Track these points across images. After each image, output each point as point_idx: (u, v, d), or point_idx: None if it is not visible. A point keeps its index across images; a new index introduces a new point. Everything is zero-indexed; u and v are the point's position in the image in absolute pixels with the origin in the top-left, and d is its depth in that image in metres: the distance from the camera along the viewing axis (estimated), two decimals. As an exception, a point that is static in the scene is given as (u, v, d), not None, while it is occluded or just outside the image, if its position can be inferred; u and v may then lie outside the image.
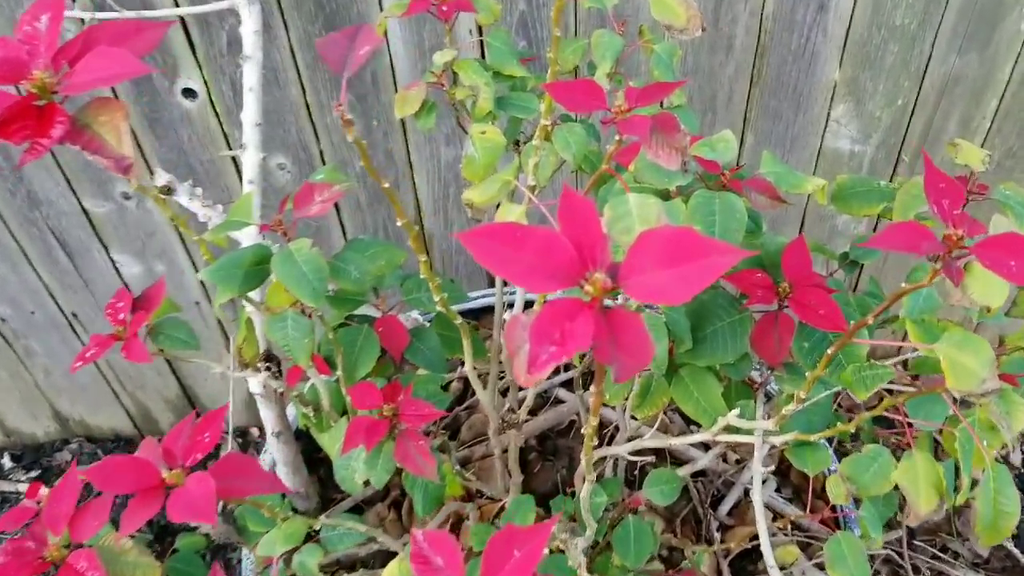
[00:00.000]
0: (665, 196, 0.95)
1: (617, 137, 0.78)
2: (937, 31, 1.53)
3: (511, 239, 0.60)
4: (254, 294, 1.23)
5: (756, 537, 1.40)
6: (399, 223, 0.82)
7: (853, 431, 1.15)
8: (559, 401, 1.59)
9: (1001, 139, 1.67)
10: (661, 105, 1.12)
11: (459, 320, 0.96)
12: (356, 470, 1.08)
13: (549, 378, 1.63)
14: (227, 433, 1.29)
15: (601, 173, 0.81)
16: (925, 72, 1.58)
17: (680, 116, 1.00)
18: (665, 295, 0.56)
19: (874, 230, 1.84)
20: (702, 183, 0.98)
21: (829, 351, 0.83)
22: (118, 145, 0.82)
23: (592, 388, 0.69)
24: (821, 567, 1.37)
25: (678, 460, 1.46)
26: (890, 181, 1.30)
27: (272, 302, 1.14)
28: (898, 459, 1.08)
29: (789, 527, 1.36)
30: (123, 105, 0.82)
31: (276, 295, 1.12)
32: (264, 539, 0.99)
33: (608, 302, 0.61)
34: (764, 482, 1.45)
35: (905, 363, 1.34)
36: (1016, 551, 1.90)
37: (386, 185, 0.77)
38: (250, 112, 1.29)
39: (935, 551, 1.88)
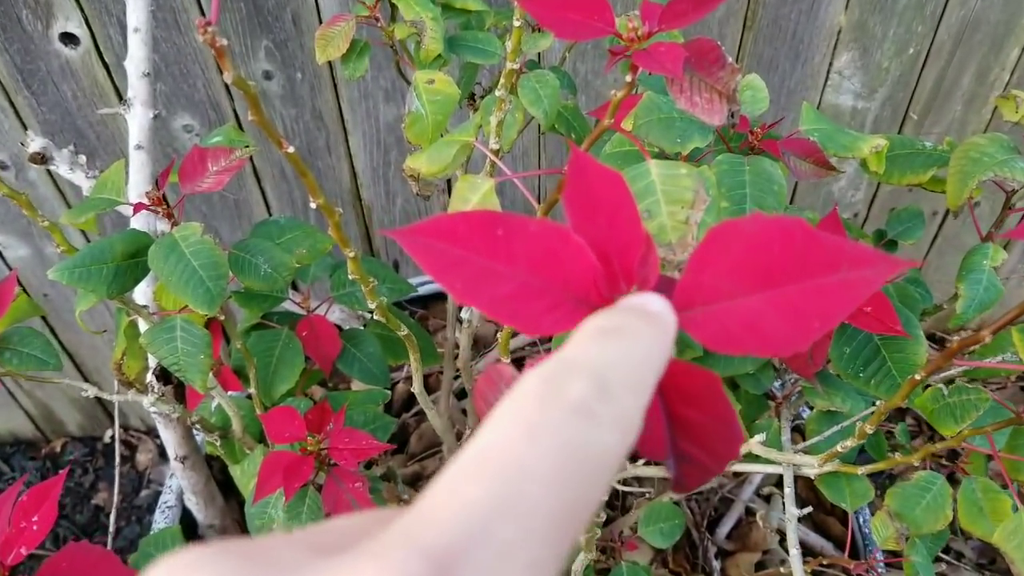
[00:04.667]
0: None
1: (628, 77, 0.54)
2: (958, -34, 1.31)
3: (488, 240, 0.35)
4: (142, 291, 0.98)
5: (762, 565, 1.19)
6: (313, 204, 0.57)
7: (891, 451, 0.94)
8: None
9: (1023, 93, 1.46)
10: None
11: (404, 331, 0.72)
12: (274, 520, 0.84)
13: (520, 368, 1.39)
14: (115, 465, 1.04)
15: (603, 129, 0.57)
16: (942, 16, 1.36)
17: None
18: (761, 335, 0.32)
19: (873, 197, 1.63)
20: (722, 144, 0.75)
21: (917, 376, 0.60)
22: None
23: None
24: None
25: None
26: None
27: (164, 303, 0.89)
28: (953, 485, 0.88)
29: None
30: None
31: (169, 294, 0.87)
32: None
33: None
34: (770, 500, 1.24)
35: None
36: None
37: (291, 150, 0.53)
38: (136, 58, 1.03)
39: (936, 553, 1.69)
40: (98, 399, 1.76)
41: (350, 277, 0.64)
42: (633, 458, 1.10)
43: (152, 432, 1.85)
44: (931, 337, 1.94)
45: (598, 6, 0.52)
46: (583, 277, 0.35)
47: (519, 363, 1.43)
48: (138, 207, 0.76)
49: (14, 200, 0.73)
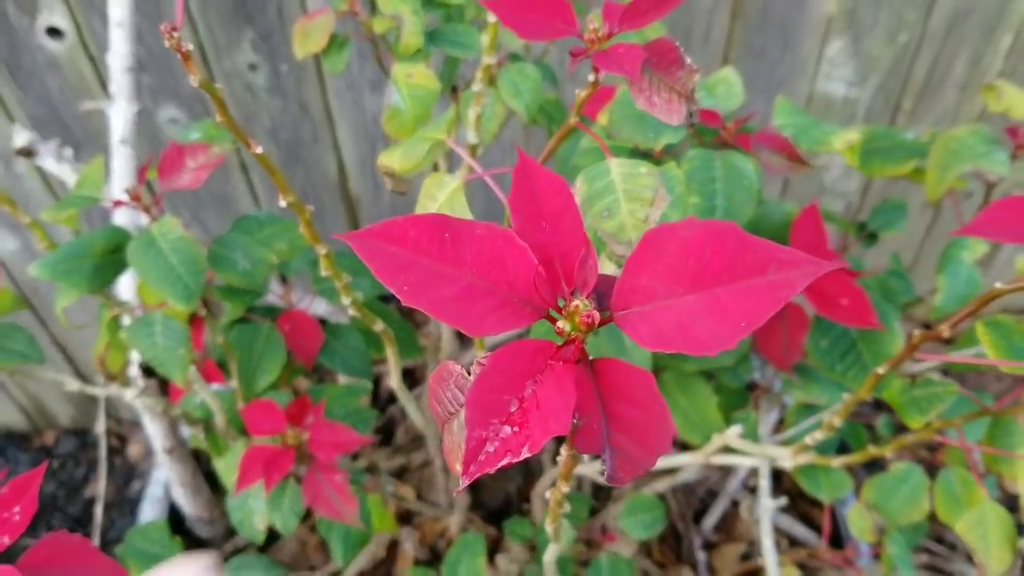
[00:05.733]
0: (646, 159, 0.72)
1: (592, 77, 0.54)
2: (947, -46, 1.31)
3: (436, 244, 0.36)
4: (127, 286, 0.98)
5: (747, 557, 1.19)
6: (283, 202, 0.58)
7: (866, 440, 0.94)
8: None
9: (1014, 81, 1.46)
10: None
11: (380, 325, 0.73)
12: (255, 511, 0.85)
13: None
14: (103, 457, 1.04)
15: (569, 128, 0.57)
16: (933, 2, 1.35)
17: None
18: (690, 335, 0.33)
19: (867, 187, 1.63)
20: (696, 139, 0.75)
21: (880, 369, 0.61)
22: None
23: (564, 449, 0.46)
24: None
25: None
26: (891, 126, 1.10)
27: (147, 299, 0.89)
28: (931, 476, 0.88)
29: (787, 543, 1.15)
30: None
31: (149, 292, 0.88)
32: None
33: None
34: (756, 492, 1.24)
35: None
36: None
37: (259, 150, 0.53)
38: (120, 53, 1.03)
39: (930, 541, 1.70)
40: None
41: (323, 274, 0.65)
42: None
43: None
44: (927, 327, 1.94)
45: (559, 7, 0.52)
46: (526, 279, 0.36)
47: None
48: (116, 203, 0.77)
49: (-8, 197, 0.73)
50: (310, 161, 1.41)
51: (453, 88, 1.06)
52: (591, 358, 0.36)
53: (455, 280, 0.35)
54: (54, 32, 1.21)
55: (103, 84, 1.26)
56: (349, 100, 1.34)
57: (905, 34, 1.39)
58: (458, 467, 0.40)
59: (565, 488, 0.52)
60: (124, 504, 1.70)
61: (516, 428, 0.33)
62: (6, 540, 0.57)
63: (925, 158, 0.90)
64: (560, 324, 0.35)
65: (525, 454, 0.32)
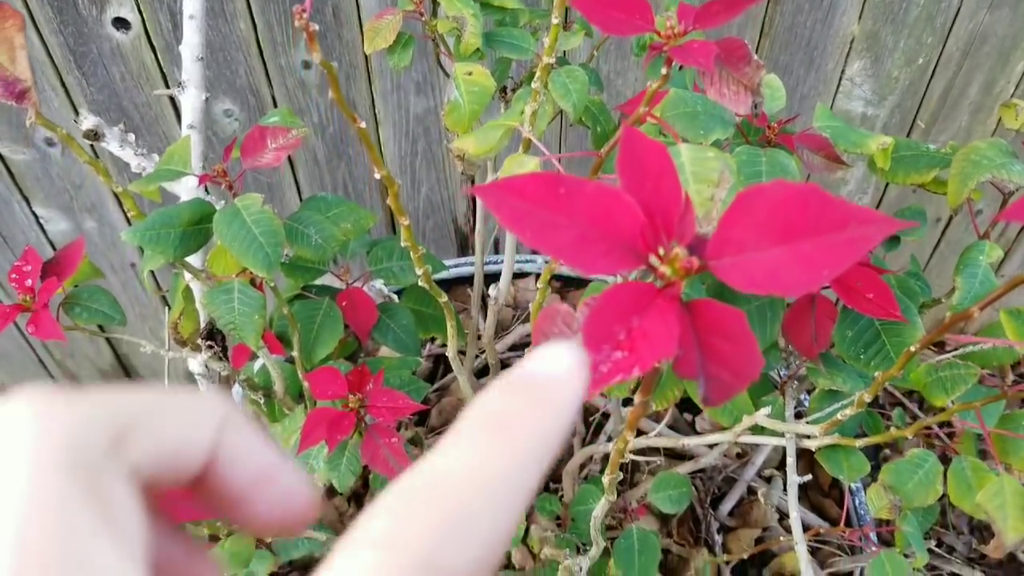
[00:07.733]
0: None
1: (664, 70, 0.60)
2: (967, -19, 1.38)
3: (552, 197, 0.42)
4: (193, 259, 1.05)
5: (760, 541, 1.25)
6: (377, 175, 0.64)
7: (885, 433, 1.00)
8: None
9: (1026, 104, 1.53)
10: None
11: (444, 298, 0.79)
12: (315, 470, 0.91)
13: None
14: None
15: (640, 118, 0.64)
16: (951, 28, 1.42)
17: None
18: (779, 280, 0.39)
19: (880, 200, 1.69)
20: (742, 137, 0.81)
21: (912, 348, 0.67)
22: (10, 64, 0.64)
23: (637, 396, 0.52)
24: (834, 576, 1.23)
25: (672, 453, 1.30)
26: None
27: (215, 269, 0.95)
28: (944, 463, 0.94)
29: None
30: (18, 14, 0.63)
31: (220, 260, 0.94)
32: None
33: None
34: (771, 480, 1.31)
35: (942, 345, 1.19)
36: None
37: (362, 125, 0.59)
38: (191, 43, 1.09)
39: (928, 546, 1.76)
40: (124, 370, 1.83)
41: (402, 244, 0.71)
42: (638, 432, 1.17)
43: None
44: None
45: (640, 6, 0.59)
46: (632, 230, 0.42)
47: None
48: (203, 178, 0.83)
49: (93, 167, 0.79)
50: (353, 156, 1.47)
51: (503, 88, 1.12)
52: (686, 302, 0.42)
53: (569, 228, 0.41)
54: (121, 23, 1.27)
55: (163, 73, 1.32)
56: (394, 101, 1.41)
57: (923, 57, 1.45)
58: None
59: (631, 437, 0.58)
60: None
61: (625, 352, 0.39)
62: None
63: (946, 168, 0.96)
64: (662, 269, 0.41)
65: (635, 373, 0.39)
